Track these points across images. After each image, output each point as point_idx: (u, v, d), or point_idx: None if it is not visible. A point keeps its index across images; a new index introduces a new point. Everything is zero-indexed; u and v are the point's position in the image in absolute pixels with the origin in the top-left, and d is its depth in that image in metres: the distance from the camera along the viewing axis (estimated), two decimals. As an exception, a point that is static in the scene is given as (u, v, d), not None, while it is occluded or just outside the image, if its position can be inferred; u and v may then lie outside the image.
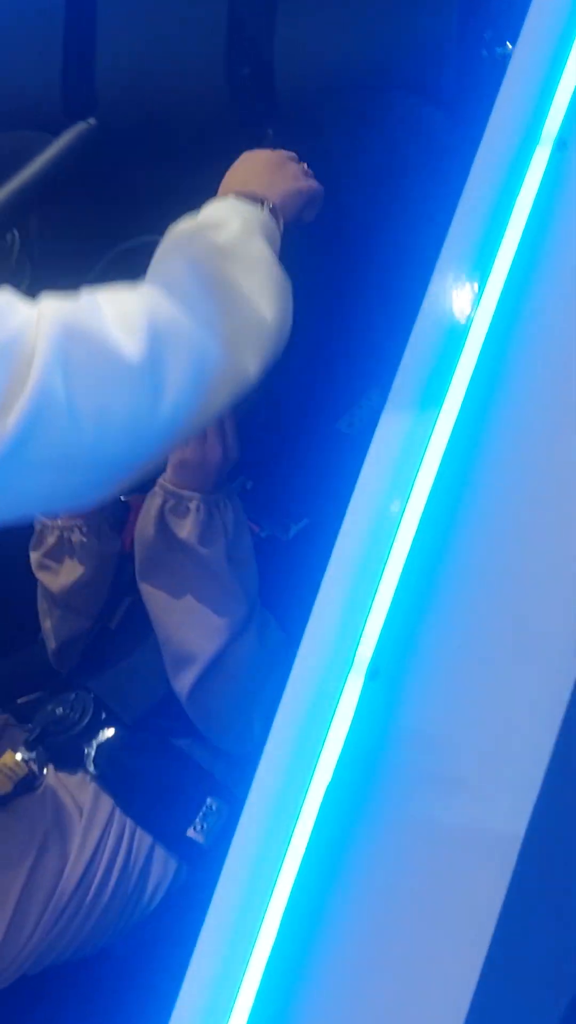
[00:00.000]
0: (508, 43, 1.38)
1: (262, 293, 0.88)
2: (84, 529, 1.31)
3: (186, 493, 1.19)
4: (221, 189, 1.09)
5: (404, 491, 0.79)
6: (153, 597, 1.25)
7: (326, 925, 0.77)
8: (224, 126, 1.58)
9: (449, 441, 0.80)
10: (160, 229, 1.30)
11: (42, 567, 1.35)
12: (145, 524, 1.23)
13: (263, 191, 1.04)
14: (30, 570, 1.37)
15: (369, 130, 1.39)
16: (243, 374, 0.84)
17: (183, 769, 1.26)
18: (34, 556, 1.36)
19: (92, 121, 1.79)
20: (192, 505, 1.19)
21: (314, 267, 1.32)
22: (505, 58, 0.98)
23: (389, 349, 1.29)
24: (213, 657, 1.20)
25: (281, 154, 1.13)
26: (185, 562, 1.21)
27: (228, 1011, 0.75)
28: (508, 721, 0.77)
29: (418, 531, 0.78)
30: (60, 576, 1.34)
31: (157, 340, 0.78)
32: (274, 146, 1.15)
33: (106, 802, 1.24)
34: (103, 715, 1.30)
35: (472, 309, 0.85)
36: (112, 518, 1.36)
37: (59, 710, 1.30)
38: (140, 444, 0.79)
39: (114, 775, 1.25)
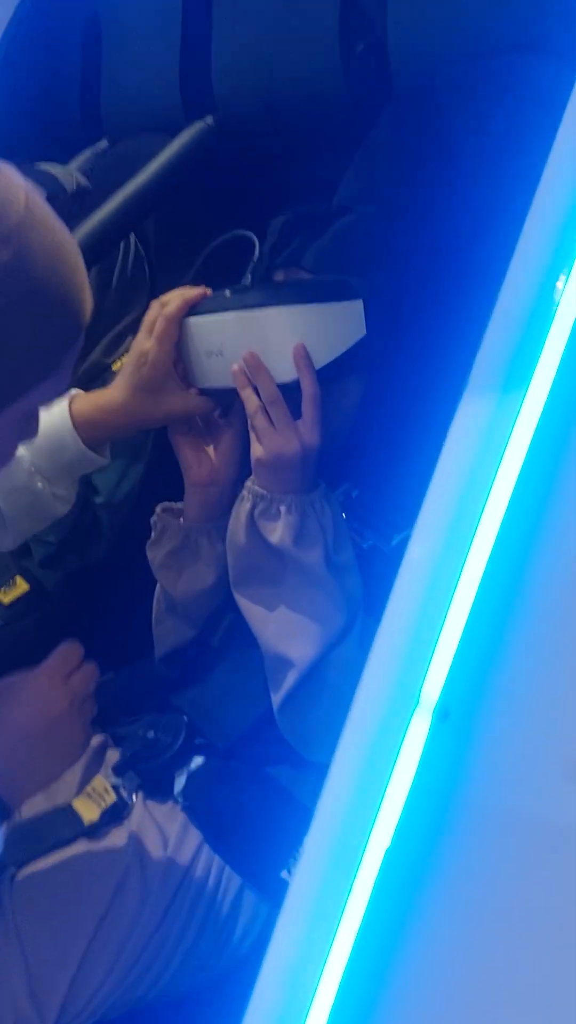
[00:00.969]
0: None
1: None
2: (213, 535, 1.22)
3: (275, 495, 1.10)
4: None
5: (480, 498, 0.66)
6: (250, 608, 1.15)
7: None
8: (339, 112, 1.49)
9: (530, 445, 0.67)
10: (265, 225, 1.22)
11: (165, 566, 1.27)
12: (236, 531, 1.14)
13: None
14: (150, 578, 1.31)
15: (490, 102, 1.26)
16: None
17: (278, 802, 1.16)
18: (154, 554, 1.27)
19: (209, 120, 1.73)
20: (283, 507, 1.09)
21: (424, 260, 1.20)
22: None
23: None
24: (311, 664, 1.09)
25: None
26: (281, 568, 1.11)
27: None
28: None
29: (494, 548, 0.65)
30: (183, 580, 1.25)
31: None
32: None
33: (194, 835, 1.15)
34: (196, 740, 1.21)
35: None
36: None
37: (151, 733, 1.23)
38: None
39: (203, 808, 1.16)
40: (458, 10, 1.27)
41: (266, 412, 1.07)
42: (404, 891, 0.66)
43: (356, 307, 1.09)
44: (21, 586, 1.69)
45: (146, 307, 1.18)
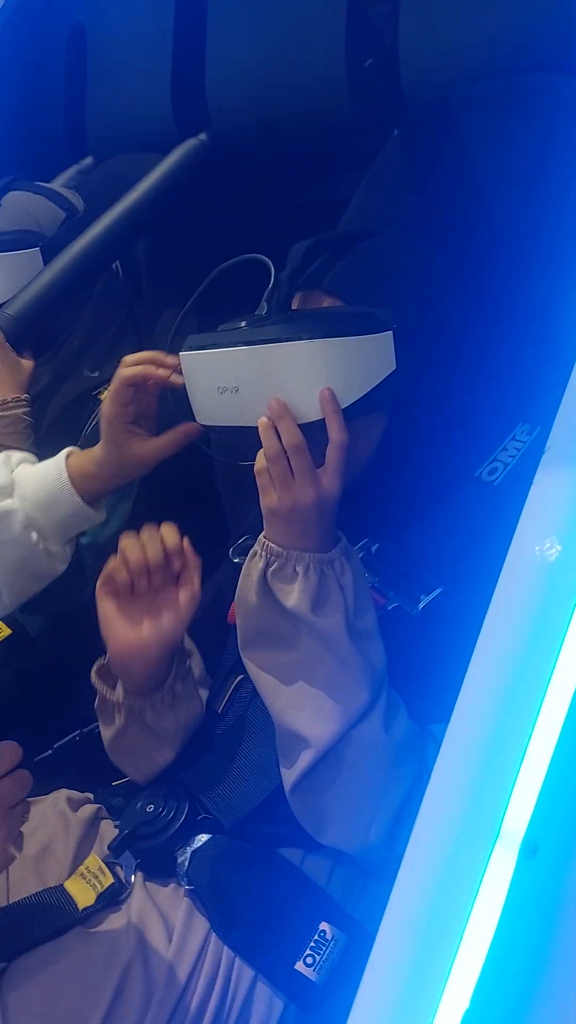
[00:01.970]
0: None
1: None
2: (159, 706, 1.14)
3: (291, 552, 1.00)
4: None
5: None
6: (260, 675, 1.05)
7: None
8: (344, 130, 1.40)
9: None
10: (273, 247, 1.13)
11: (118, 751, 1.20)
12: (246, 590, 1.04)
13: None
14: None
15: (515, 122, 1.17)
16: None
17: (292, 886, 1.05)
18: (104, 734, 1.21)
19: (203, 137, 1.64)
20: (299, 568, 0.99)
21: (451, 287, 1.11)
22: None
23: (543, 378, 1.07)
24: (328, 745, 0.99)
25: None
26: (296, 633, 1.01)
27: None
28: None
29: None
30: (144, 764, 1.18)
31: None
32: None
33: (201, 922, 1.05)
34: (199, 816, 1.11)
35: None
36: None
37: (149, 807, 1.12)
38: None
39: (210, 891, 1.05)
40: (475, 24, 1.19)
41: (286, 458, 0.97)
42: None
43: (386, 340, 1.00)
44: (3, 630, 1.61)
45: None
